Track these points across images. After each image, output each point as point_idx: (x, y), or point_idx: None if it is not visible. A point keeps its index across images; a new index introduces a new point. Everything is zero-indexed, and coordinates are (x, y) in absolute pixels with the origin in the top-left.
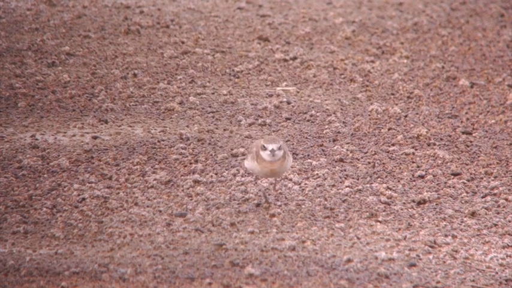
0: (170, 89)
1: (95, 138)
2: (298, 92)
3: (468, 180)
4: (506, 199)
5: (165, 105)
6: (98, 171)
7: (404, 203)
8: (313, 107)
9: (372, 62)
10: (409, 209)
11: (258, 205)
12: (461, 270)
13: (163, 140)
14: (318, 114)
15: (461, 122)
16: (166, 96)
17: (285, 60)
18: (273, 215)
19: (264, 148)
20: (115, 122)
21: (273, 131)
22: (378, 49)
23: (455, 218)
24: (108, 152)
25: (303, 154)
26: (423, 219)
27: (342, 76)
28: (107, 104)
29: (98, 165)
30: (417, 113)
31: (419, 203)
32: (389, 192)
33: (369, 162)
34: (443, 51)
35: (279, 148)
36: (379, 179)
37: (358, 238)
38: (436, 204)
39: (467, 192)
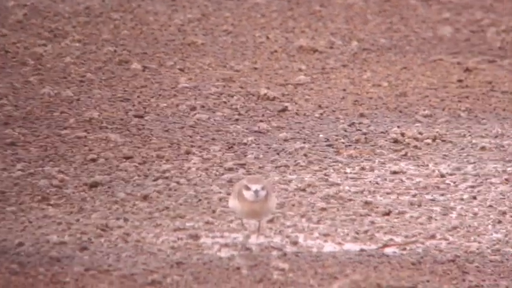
0: None
1: None
2: None
3: (140, 164)
4: (177, 182)
5: None
6: None
7: (76, 186)
8: None
9: (44, 45)
10: (81, 192)
11: None
12: (133, 253)
13: None
14: None
15: (134, 105)
16: None
17: None
18: None
19: (248, 188)
20: None
21: None
22: (50, 32)
23: (128, 201)
24: None
25: None
26: (95, 203)
27: (14, 59)
28: None
29: None
30: (89, 97)
31: (91, 186)
32: (61, 175)
33: (41, 146)
34: (115, 35)
35: (262, 188)
36: (51, 162)
37: (30, 222)
38: (108, 187)
39: (139, 176)
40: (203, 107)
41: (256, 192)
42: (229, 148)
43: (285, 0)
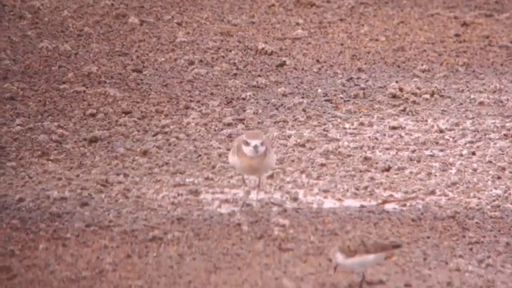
0: None
1: None
2: None
3: (139, 119)
4: (177, 137)
5: None
6: None
7: (75, 142)
8: None
9: None
10: (81, 148)
11: None
12: (134, 209)
13: None
14: None
15: (132, 59)
16: None
17: None
18: None
19: (247, 143)
20: None
21: None
22: None
23: (127, 157)
24: None
25: None
26: (95, 158)
27: (11, 13)
28: None
29: None
30: (87, 51)
31: (91, 141)
32: (61, 130)
33: (40, 100)
34: None
35: (262, 144)
36: (50, 117)
37: (30, 177)
38: (108, 142)
39: (138, 131)
40: (201, 61)
41: (255, 147)
42: (228, 103)
43: None
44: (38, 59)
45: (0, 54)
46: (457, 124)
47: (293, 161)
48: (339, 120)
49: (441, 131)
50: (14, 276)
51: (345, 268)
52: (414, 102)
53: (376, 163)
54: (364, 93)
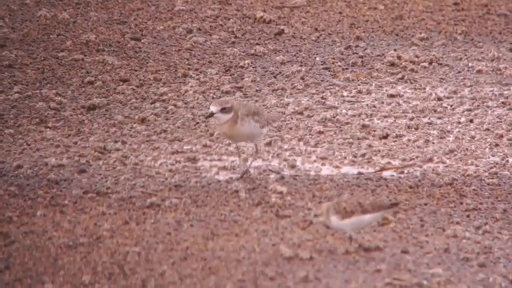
0: None
1: None
2: None
3: (137, 86)
4: (174, 105)
5: None
6: None
7: (74, 109)
8: None
9: None
10: (79, 115)
11: None
12: (131, 176)
13: None
14: None
15: (130, 28)
16: None
17: None
18: None
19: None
20: None
21: None
22: None
23: (125, 124)
24: None
25: None
26: (93, 125)
27: None
28: None
29: None
30: (86, 19)
31: (89, 109)
32: (59, 98)
33: (38, 68)
34: None
35: (223, 111)
36: (48, 84)
37: (28, 144)
38: (106, 110)
39: (136, 98)
40: (200, 29)
41: (210, 114)
42: (226, 71)
43: None
44: (37, 27)
45: None
46: (455, 92)
47: (291, 128)
48: (337, 88)
49: (439, 99)
50: (11, 242)
51: (339, 230)
52: (412, 70)
53: (374, 130)
54: (362, 61)
